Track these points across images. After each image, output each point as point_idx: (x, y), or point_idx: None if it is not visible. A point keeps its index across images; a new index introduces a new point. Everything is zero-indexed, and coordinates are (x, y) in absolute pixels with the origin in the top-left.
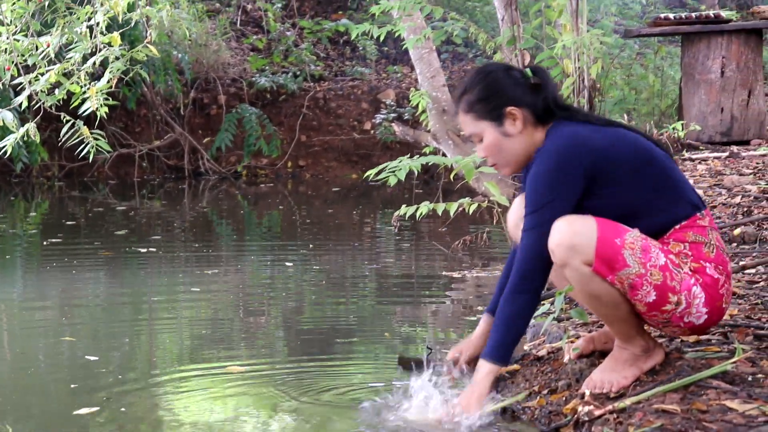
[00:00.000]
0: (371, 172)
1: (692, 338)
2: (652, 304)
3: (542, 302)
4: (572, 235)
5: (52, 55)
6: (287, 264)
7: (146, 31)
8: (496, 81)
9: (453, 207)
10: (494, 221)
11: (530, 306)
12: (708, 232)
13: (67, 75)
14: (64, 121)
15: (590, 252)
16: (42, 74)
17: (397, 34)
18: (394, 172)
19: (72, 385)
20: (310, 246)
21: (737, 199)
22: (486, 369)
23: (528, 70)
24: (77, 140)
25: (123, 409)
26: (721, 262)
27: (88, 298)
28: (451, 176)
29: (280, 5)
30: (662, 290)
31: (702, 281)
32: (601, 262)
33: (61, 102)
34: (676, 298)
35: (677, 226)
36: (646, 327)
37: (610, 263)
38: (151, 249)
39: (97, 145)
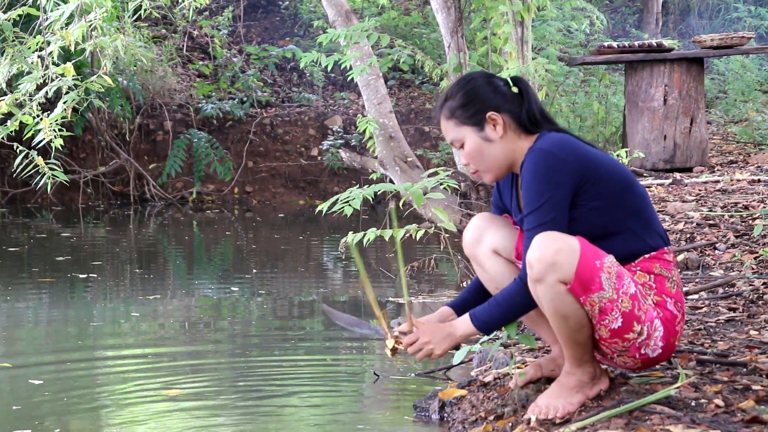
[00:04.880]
0: (323, 206)
1: None
2: (616, 331)
3: None
4: (554, 252)
5: (3, 85)
6: (233, 289)
7: (91, 58)
8: (477, 87)
9: (400, 233)
10: (441, 247)
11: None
12: (672, 268)
13: (19, 105)
14: (18, 151)
15: (570, 271)
16: None
17: (343, 64)
18: (347, 202)
19: (14, 407)
20: (256, 272)
21: (680, 226)
22: (469, 330)
23: (509, 80)
24: (31, 171)
25: (57, 430)
26: (679, 300)
27: (28, 323)
28: (400, 203)
29: (226, 31)
30: (629, 318)
31: (662, 315)
32: (578, 281)
33: (13, 132)
34: (640, 327)
35: (646, 256)
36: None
37: (586, 285)
38: (92, 275)
39: (53, 174)
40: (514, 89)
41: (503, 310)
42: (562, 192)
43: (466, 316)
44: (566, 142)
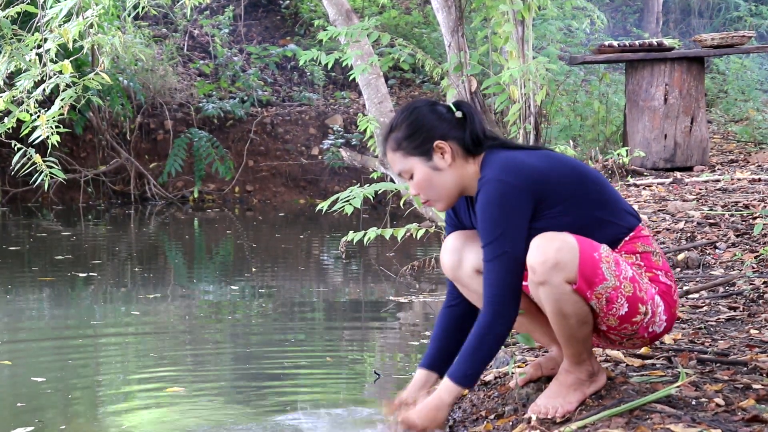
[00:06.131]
0: (323, 204)
1: (637, 362)
2: (624, 317)
3: None
4: (556, 251)
5: (0, 83)
6: (233, 288)
7: (91, 56)
8: (421, 117)
9: (400, 232)
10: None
11: (506, 335)
12: (651, 242)
13: (17, 102)
14: (15, 148)
15: (574, 269)
16: None
17: (344, 62)
18: (348, 201)
19: (18, 404)
20: (256, 271)
21: (681, 225)
22: (455, 392)
23: (452, 105)
24: (29, 168)
25: (62, 427)
26: (668, 269)
27: (29, 322)
28: (401, 202)
29: (227, 30)
30: (633, 302)
31: (659, 290)
32: (583, 279)
33: (10, 130)
34: (644, 308)
35: (626, 238)
36: (596, 348)
37: (590, 279)
38: (92, 274)
39: (50, 173)
40: (458, 114)
41: (478, 357)
42: (516, 220)
43: (447, 381)
44: (512, 164)
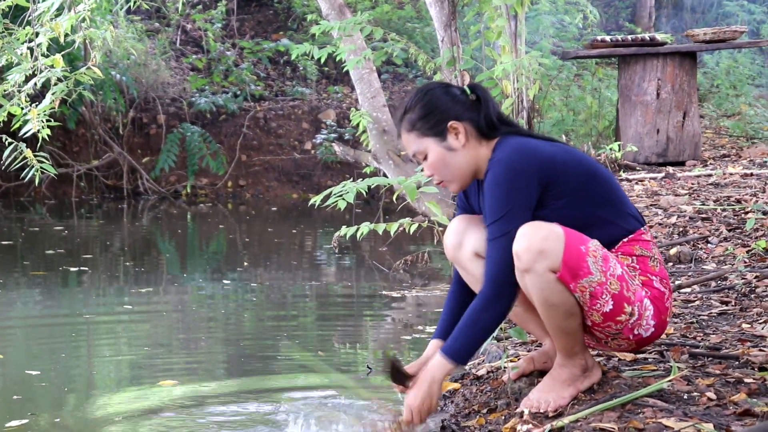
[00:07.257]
0: (316, 199)
1: (629, 357)
2: (608, 314)
3: None
4: (541, 240)
5: None
6: (226, 282)
7: (83, 50)
8: (435, 98)
9: (393, 227)
10: (435, 241)
11: (504, 314)
12: (651, 247)
13: (7, 96)
14: (6, 143)
15: (558, 258)
16: None
17: (337, 57)
18: (341, 196)
19: (14, 397)
20: (249, 265)
21: (673, 219)
22: (446, 368)
23: (466, 88)
24: (20, 163)
25: (57, 419)
26: (664, 276)
27: (21, 316)
28: (394, 197)
29: (219, 25)
30: (619, 300)
31: (650, 294)
32: (566, 269)
33: (1, 123)
34: (631, 308)
35: (625, 240)
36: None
37: (575, 270)
38: (84, 268)
39: (41, 167)
40: (472, 96)
41: (473, 334)
42: (522, 202)
43: (440, 356)
44: (524, 149)
